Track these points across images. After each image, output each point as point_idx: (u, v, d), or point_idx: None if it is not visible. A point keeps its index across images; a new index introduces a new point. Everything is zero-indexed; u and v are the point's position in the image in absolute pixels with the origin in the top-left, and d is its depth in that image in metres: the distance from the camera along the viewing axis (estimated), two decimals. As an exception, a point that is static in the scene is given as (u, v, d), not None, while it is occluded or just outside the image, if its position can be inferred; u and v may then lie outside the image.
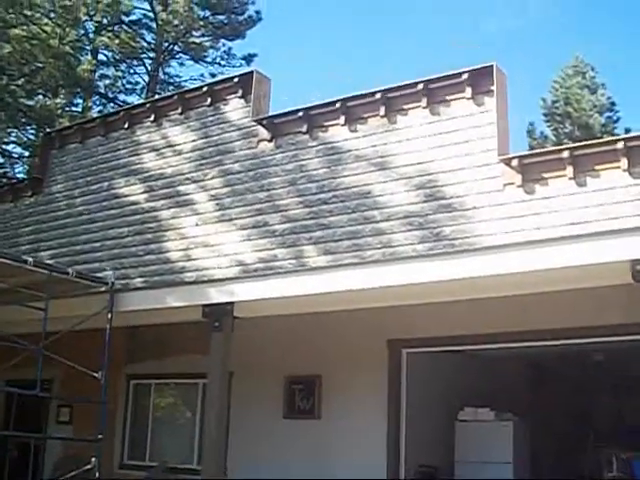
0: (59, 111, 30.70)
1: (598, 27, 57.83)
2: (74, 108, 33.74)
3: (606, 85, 39.38)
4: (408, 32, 59.55)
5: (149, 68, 35.22)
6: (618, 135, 27.68)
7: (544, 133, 39.40)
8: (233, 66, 34.99)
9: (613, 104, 38.95)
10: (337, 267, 10.83)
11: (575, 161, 10.76)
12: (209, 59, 35.44)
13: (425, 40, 59.99)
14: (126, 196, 15.38)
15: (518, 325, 10.84)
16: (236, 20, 34.72)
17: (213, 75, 33.93)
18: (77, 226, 16.03)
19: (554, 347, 11.73)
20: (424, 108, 12.29)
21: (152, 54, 34.95)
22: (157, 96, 28.21)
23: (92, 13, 32.72)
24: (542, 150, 14.30)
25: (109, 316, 11.68)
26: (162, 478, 13.61)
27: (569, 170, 10.78)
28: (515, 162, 11.14)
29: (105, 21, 33.70)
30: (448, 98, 12.12)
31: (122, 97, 34.70)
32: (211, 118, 14.67)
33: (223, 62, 35.35)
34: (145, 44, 34.85)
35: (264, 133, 13.75)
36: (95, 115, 28.43)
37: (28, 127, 33.88)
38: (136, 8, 34.21)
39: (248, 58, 35.01)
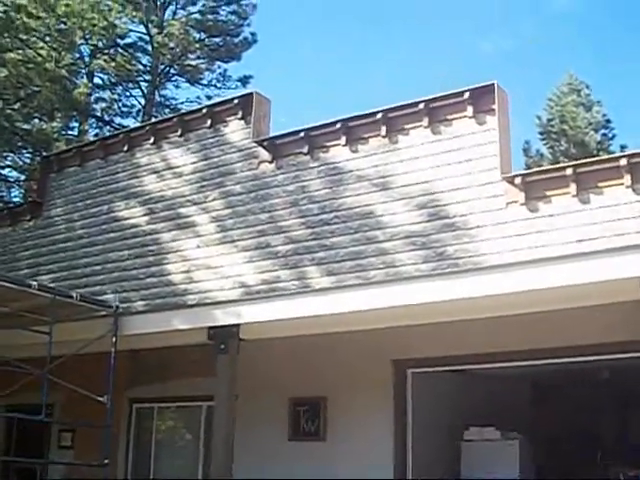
0: (55, 135, 30.67)
1: (592, 44, 58.08)
2: (70, 132, 33.76)
3: (601, 102, 39.58)
4: (404, 52, 59.72)
5: (145, 91, 35.27)
6: (614, 152, 27.79)
7: (540, 151, 39.52)
8: (229, 88, 35.14)
9: (608, 121, 39.13)
10: (342, 288, 10.80)
11: (578, 178, 10.76)
12: (205, 81, 35.59)
13: (421, 59, 60.11)
14: (126, 219, 15.35)
15: (524, 344, 10.78)
16: (231, 42, 34.86)
17: (209, 97, 34.04)
18: (77, 250, 15.99)
19: (559, 365, 11.67)
20: (425, 127, 12.30)
21: (148, 77, 35.02)
22: (154, 119, 28.32)
23: (88, 36, 32.76)
24: (545, 168, 14.34)
25: (113, 340, 11.63)
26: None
27: (572, 187, 10.78)
28: (518, 180, 11.14)
29: (101, 44, 33.76)
30: (449, 117, 12.13)
31: (118, 120, 34.81)
32: (211, 140, 14.66)
33: (219, 84, 35.51)
34: (141, 67, 34.95)
35: (265, 154, 13.74)
36: (92, 138, 28.41)
37: (24, 151, 33.85)
38: (131, 31, 34.38)
39: (244, 80, 35.16)
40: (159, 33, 33.32)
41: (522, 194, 11.10)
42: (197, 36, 34.28)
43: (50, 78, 29.41)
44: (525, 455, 13.44)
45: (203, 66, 35.11)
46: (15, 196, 34.54)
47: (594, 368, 13.46)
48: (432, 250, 11.63)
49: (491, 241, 11.18)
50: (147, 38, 34.20)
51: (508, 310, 9.52)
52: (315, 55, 59.73)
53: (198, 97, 35.51)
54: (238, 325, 10.49)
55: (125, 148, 15.98)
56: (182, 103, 35.30)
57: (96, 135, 32.15)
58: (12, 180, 35.00)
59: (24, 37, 30.97)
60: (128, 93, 35.61)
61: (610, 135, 39.05)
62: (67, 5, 30.86)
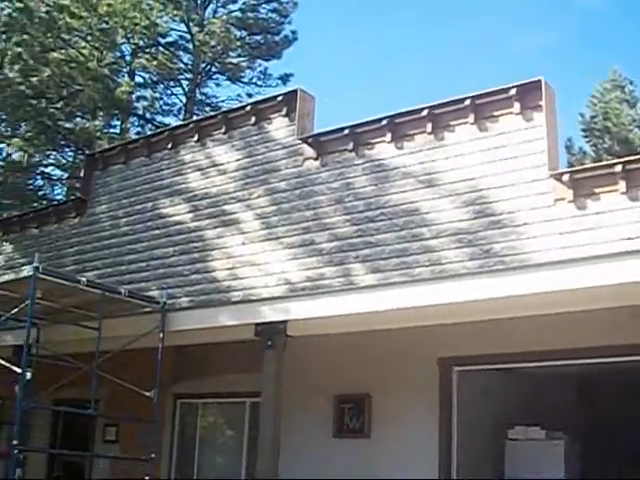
0: (98, 133, 30.92)
1: (636, 40, 57.45)
2: (112, 130, 34.03)
3: (646, 99, 39.15)
4: (440, 48, 59.40)
5: (186, 89, 35.44)
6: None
7: (583, 149, 39.22)
8: (269, 86, 35.24)
9: (653, 117, 38.69)
10: (388, 285, 10.78)
11: (627, 175, 10.63)
12: (246, 79, 35.71)
13: (457, 55, 59.73)
14: (171, 216, 15.43)
15: (571, 342, 10.66)
16: (272, 40, 34.93)
17: (250, 95, 34.16)
18: (122, 246, 16.11)
19: (607, 364, 11.54)
20: (472, 124, 12.22)
21: (189, 75, 35.16)
22: (196, 117, 28.41)
23: (129, 35, 32.99)
24: (593, 165, 14.13)
25: (160, 335, 11.69)
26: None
27: (621, 185, 10.65)
28: (566, 177, 11.04)
29: (142, 43, 33.96)
30: (496, 114, 12.04)
31: (159, 118, 35.00)
32: (255, 137, 14.70)
33: (260, 82, 35.62)
34: (182, 65, 35.09)
35: (309, 151, 13.74)
36: (133, 136, 28.72)
37: (67, 149, 34.18)
38: (173, 30, 34.54)
39: (284, 78, 35.25)
40: (200, 31, 33.46)
41: (570, 191, 10.99)
42: (238, 34, 34.38)
43: (93, 77, 29.69)
44: (571, 455, 13.30)
45: (244, 64, 35.25)
46: (58, 194, 34.93)
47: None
48: (478, 247, 11.56)
49: (538, 239, 11.08)
50: (188, 37, 34.36)
51: (555, 308, 9.48)
52: (351, 51, 59.55)
53: (239, 95, 35.72)
54: (285, 322, 10.51)
55: (169, 146, 16.06)
56: (223, 101, 35.51)
57: (138, 133, 32.41)
58: (55, 178, 35.34)
59: (67, 37, 31.34)
60: (169, 91, 35.84)
61: (655, 132, 38.64)
62: (109, 5, 31.13)
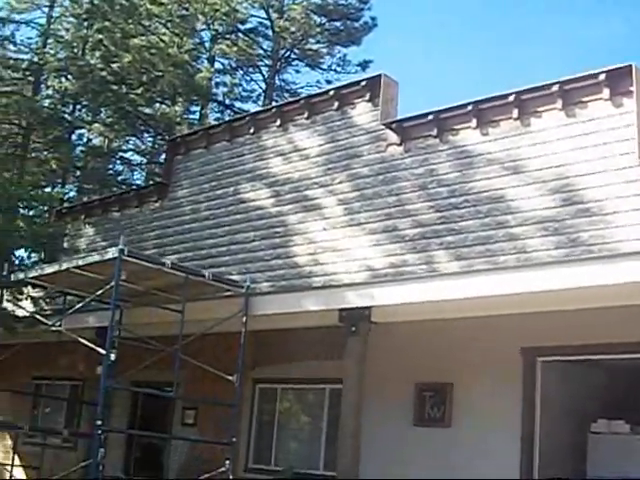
0: (177, 119, 31.09)
1: None
2: (191, 116, 34.22)
3: None
4: (511, 33, 58.41)
5: (265, 75, 35.47)
6: None
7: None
8: (348, 72, 35.04)
9: None
10: (473, 272, 10.65)
11: None
12: (325, 66, 35.57)
13: (527, 43, 58.64)
14: (252, 201, 15.46)
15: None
16: (352, 26, 34.71)
17: (329, 82, 33.97)
18: (203, 230, 16.19)
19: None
20: (559, 110, 11.98)
21: (268, 61, 35.18)
22: (275, 103, 28.44)
23: (209, 22, 33.14)
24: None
25: (244, 320, 11.71)
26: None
27: None
28: (657, 165, 10.78)
29: (222, 29, 34.06)
30: (584, 99, 11.78)
31: (238, 104, 35.04)
32: (338, 122, 14.62)
33: (339, 69, 35.45)
34: (261, 51, 35.10)
35: (393, 137, 13.62)
36: (212, 122, 28.78)
37: (146, 135, 34.51)
38: (252, 16, 34.52)
39: (364, 64, 34.98)
40: (280, 18, 33.44)
41: (661, 179, 10.73)
42: (317, 20, 34.25)
43: (173, 63, 29.80)
44: (656, 451, 13.01)
45: (323, 50, 35.12)
46: (137, 179, 35.26)
47: None
48: (565, 236, 11.33)
49: (627, 227, 10.81)
50: (267, 23, 34.34)
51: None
52: (431, 40, 59.01)
53: (318, 81, 35.54)
54: (370, 308, 10.45)
55: (251, 130, 16.08)
56: (302, 88, 35.37)
57: (217, 119, 32.47)
58: (135, 163, 35.72)
59: (147, 23, 31.58)
60: (249, 78, 35.87)
61: None
62: (189, -9, 31.31)
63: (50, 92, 28.45)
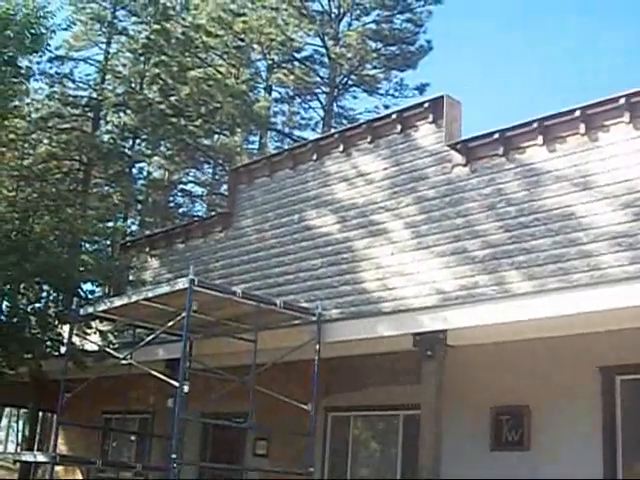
0: (237, 149, 31.30)
1: None
2: (251, 145, 34.45)
3: None
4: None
5: (323, 102, 35.61)
6: None
7: None
8: (406, 97, 35.19)
9: None
10: (550, 291, 10.48)
11: None
12: (382, 91, 35.76)
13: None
14: (318, 227, 15.42)
15: None
16: (407, 50, 34.79)
17: (387, 107, 34.07)
18: (269, 259, 16.17)
19: None
20: (627, 123, 11.79)
21: (326, 88, 35.31)
22: (333, 129, 28.43)
23: (265, 51, 33.39)
24: None
25: (317, 347, 11.61)
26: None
27: None
28: None
29: (278, 58, 34.29)
30: (653, 112, 11.58)
31: (297, 132, 35.25)
32: (402, 145, 14.55)
33: (396, 93, 35.64)
34: (318, 79, 35.27)
35: (458, 158, 13.51)
36: (272, 151, 28.88)
37: (206, 166, 34.75)
38: (308, 44, 34.76)
39: (421, 88, 35.07)
40: (335, 45, 33.59)
41: None
42: (373, 45, 34.37)
43: (231, 94, 30.07)
44: None
45: (380, 75, 35.27)
46: (198, 210, 35.49)
47: None
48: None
49: None
50: (323, 50, 34.53)
51: None
52: (486, 61, 58.87)
53: (376, 107, 35.75)
54: (445, 331, 10.29)
55: (314, 157, 16.07)
56: (360, 114, 35.54)
57: (276, 148, 32.65)
58: (195, 195, 35.97)
59: (204, 55, 31.92)
60: (306, 105, 36.16)
61: None
62: (244, 22, 31.61)
63: (109, 127, 28.89)
